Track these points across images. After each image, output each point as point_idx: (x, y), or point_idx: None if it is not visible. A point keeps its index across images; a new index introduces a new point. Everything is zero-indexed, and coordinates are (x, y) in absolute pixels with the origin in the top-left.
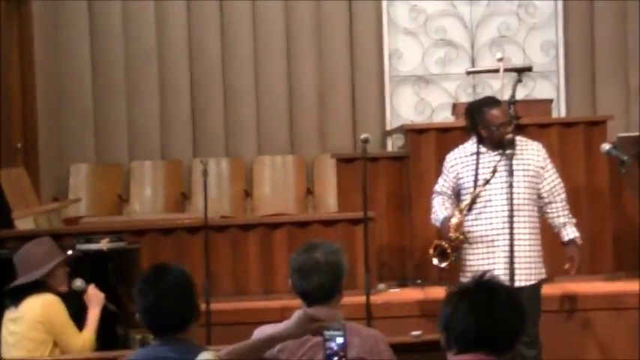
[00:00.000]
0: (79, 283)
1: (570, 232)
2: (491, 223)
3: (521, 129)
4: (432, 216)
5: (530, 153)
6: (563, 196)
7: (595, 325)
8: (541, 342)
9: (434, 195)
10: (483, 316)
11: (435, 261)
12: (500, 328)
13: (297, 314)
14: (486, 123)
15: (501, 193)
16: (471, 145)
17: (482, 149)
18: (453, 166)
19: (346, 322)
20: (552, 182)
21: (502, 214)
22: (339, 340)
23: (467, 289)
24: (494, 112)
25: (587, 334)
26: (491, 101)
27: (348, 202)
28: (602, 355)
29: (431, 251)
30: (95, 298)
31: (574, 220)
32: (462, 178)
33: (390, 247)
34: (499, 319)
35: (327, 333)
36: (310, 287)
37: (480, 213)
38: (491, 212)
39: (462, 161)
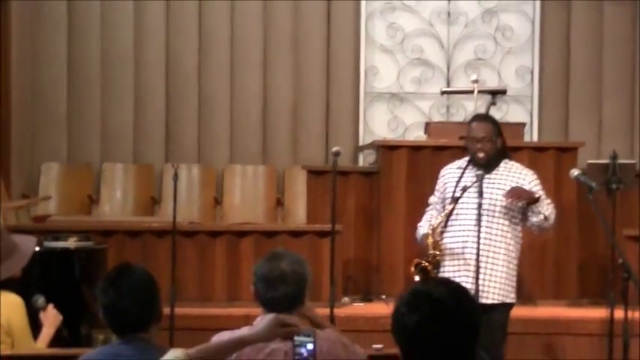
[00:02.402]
0: (40, 300)
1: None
2: (464, 241)
3: None
4: (417, 230)
5: (515, 176)
6: (550, 205)
7: (557, 350)
8: None
9: (427, 208)
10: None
11: (417, 278)
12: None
13: (266, 318)
14: (468, 135)
15: (473, 212)
16: (462, 160)
17: (470, 166)
18: (442, 177)
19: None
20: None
21: (472, 232)
22: (309, 346)
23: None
24: (473, 124)
25: (550, 359)
26: (477, 116)
27: (317, 215)
28: None
29: (412, 269)
30: (53, 319)
31: (549, 204)
32: (447, 189)
33: (356, 261)
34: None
35: (297, 339)
36: (276, 296)
37: (452, 230)
38: (462, 230)
39: (450, 173)
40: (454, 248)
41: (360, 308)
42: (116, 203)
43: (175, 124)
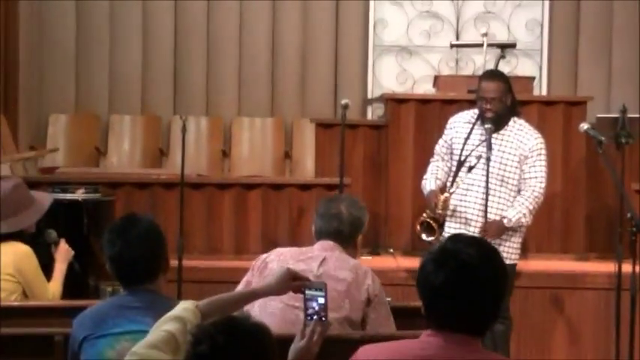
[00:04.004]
0: (53, 235)
1: (510, 214)
2: (466, 200)
3: None
4: (423, 182)
5: (520, 140)
6: (536, 194)
7: (564, 304)
8: (511, 318)
9: (432, 157)
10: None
11: (424, 236)
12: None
13: (278, 270)
14: (477, 92)
15: (477, 172)
16: (472, 113)
17: (479, 121)
18: (450, 128)
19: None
20: (531, 175)
21: (477, 190)
22: (320, 300)
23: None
24: (483, 83)
25: (556, 312)
26: (487, 74)
27: (325, 167)
28: (570, 333)
29: (418, 227)
30: (65, 254)
31: (522, 211)
32: (454, 143)
33: None
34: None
35: (309, 292)
36: (329, 229)
37: (458, 189)
38: (466, 189)
39: (458, 126)
40: (457, 205)
41: (367, 261)
42: (124, 155)
43: (183, 76)
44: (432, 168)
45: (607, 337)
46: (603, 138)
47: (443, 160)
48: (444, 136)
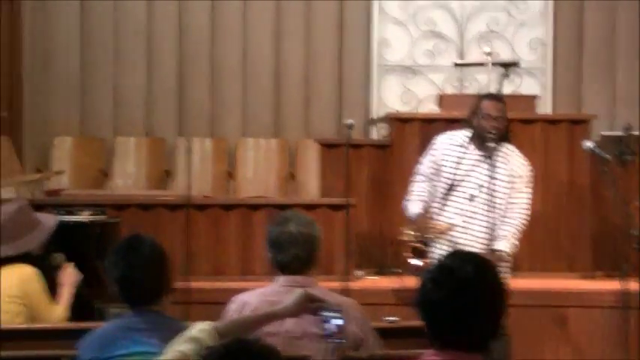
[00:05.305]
0: (59, 259)
1: (501, 245)
2: (469, 228)
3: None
4: (406, 202)
5: (510, 166)
6: (523, 222)
7: (570, 323)
8: (509, 334)
9: (416, 177)
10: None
11: (414, 261)
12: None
13: (295, 293)
14: (477, 110)
15: (470, 192)
16: (462, 135)
17: (470, 145)
18: (437, 149)
19: (319, 287)
20: (517, 200)
21: (481, 219)
22: (338, 321)
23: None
24: (487, 103)
25: (562, 331)
26: (491, 95)
27: (330, 188)
28: (576, 353)
29: (408, 254)
30: (69, 277)
31: (513, 242)
32: (443, 165)
33: (369, 234)
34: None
35: (325, 314)
36: (287, 259)
37: (448, 210)
38: (456, 212)
39: (447, 148)
40: (458, 234)
41: (373, 282)
42: (129, 177)
43: (187, 97)
44: (417, 188)
45: (615, 355)
46: (608, 156)
47: (429, 180)
48: (430, 157)
